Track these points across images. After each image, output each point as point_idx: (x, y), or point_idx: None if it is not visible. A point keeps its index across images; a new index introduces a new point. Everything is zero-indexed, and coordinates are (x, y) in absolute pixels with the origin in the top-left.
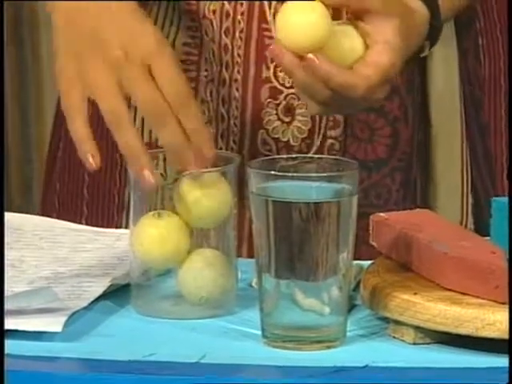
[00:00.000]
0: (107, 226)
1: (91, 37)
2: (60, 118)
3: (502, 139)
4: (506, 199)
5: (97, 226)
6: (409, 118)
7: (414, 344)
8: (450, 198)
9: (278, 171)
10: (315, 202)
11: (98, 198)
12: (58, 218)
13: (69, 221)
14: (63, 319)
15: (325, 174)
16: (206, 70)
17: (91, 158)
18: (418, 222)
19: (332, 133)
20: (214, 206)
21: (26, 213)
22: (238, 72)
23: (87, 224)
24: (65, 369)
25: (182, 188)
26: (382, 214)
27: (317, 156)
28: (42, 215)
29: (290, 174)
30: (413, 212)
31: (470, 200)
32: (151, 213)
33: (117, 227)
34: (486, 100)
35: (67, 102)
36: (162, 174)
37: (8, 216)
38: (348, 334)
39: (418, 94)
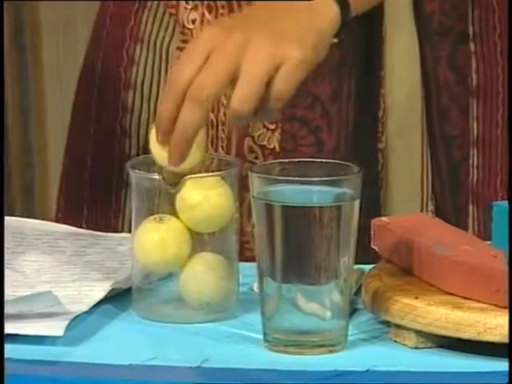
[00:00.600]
0: (105, 230)
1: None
2: (74, 118)
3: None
4: (506, 203)
5: (96, 229)
6: (333, 127)
7: (416, 348)
8: (409, 205)
9: (280, 175)
10: (317, 206)
11: (96, 201)
12: (63, 220)
13: (72, 224)
14: (65, 323)
15: (326, 178)
16: None
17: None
18: (419, 226)
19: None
20: (216, 210)
21: (28, 217)
22: None
23: (88, 227)
24: (66, 373)
25: (183, 192)
26: (383, 219)
27: (318, 160)
28: (56, 217)
29: (291, 178)
30: (414, 216)
31: (431, 207)
32: (152, 217)
33: (114, 231)
34: (479, 107)
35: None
36: (163, 178)
37: (9, 220)
38: (349, 338)
39: (350, 101)
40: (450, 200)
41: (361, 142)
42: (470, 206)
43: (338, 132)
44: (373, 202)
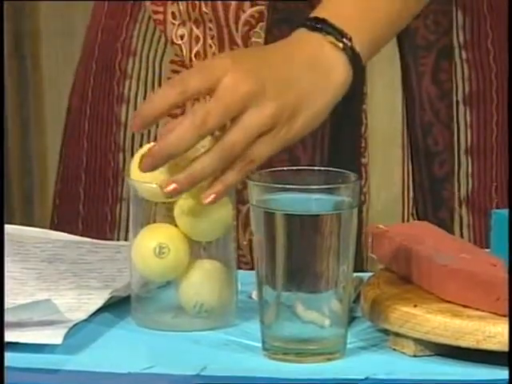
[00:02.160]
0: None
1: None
2: (67, 133)
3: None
4: (506, 211)
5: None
6: (307, 143)
7: (415, 356)
8: (391, 220)
9: (278, 183)
10: (315, 215)
11: (91, 214)
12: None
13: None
14: (63, 331)
15: (325, 187)
16: None
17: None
18: (417, 234)
19: None
20: (214, 218)
21: (27, 225)
22: None
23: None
24: (65, 381)
25: (181, 200)
26: (381, 226)
27: (317, 168)
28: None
29: (290, 186)
30: (413, 224)
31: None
32: (151, 225)
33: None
34: (473, 115)
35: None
36: (160, 187)
37: (8, 228)
38: (348, 346)
39: (329, 117)
40: (432, 215)
41: (341, 158)
42: (465, 215)
43: (312, 148)
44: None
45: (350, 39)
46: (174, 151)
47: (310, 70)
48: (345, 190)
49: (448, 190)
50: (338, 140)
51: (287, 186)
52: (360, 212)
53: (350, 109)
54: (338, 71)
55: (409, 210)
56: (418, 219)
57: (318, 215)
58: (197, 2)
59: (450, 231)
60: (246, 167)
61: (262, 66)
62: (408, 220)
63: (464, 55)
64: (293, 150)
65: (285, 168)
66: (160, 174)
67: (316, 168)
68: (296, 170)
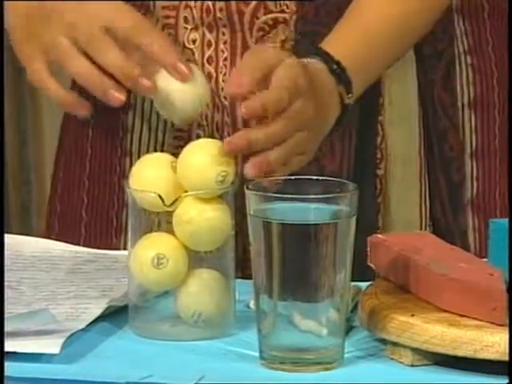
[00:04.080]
0: (106, 249)
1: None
2: (63, 139)
3: (485, 161)
4: (504, 220)
5: (95, 248)
6: (335, 153)
7: (412, 366)
8: (407, 230)
9: (276, 193)
10: (313, 224)
11: (95, 220)
12: (58, 239)
13: (68, 243)
14: (61, 341)
15: (323, 196)
16: None
17: (114, 92)
18: (416, 243)
19: None
20: (213, 228)
21: (24, 234)
22: (225, 98)
23: (85, 246)
24: None
25: (180, 210)
26: (380, 236)
27: (315, 177)
28: (46, 237)
29: (287, 196)
30: (411, 234)
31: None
32: (149, 234)
33: (115, 250)
34: (478, 119)
35: (33, 71)
36: (160, 196)
37: (6, 238)
38: (346, 355)
39: (353, 128)
40: (452, 222)
41: (360, 168)
42: (470, 219)
43: (340, 158)
44: (372, 227)
45: (351, 96)
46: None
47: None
48: (342, 200)
49: (464, 195)
50: (356, 151)
51: (285, 196)
52: (375, 221)
53: (366, 120)
54: (334, 115)
55: (426, 220)
56: (434, 229)
57: (315, 224)
58: (211, 8)
59: (464, 234)
60: (298, 159)
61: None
62: (425, 229)
63: (469, 60)
64: (320, 160)
65: (282, 177)
66: (160, 183)
67: (314, 177)
68: (294, 179)
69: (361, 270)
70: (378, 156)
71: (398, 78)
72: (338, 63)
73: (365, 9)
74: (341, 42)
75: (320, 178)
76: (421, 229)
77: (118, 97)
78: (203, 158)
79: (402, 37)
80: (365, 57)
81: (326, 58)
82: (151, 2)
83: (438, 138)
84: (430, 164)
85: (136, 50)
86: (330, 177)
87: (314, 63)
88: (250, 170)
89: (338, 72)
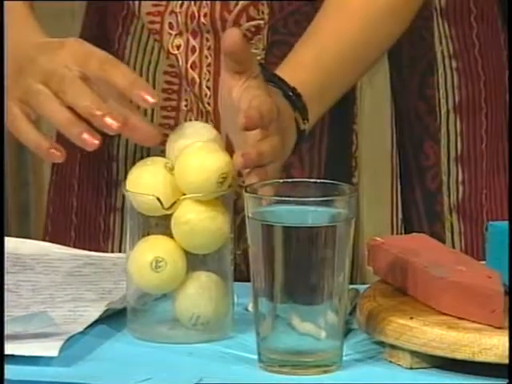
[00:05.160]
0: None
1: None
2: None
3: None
4: (502, 223)
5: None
6: (304, 163)
7: (411, 368)
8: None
9: (274, 195)
10: (311, 227)
11: (84, 224)
12: (50, 241)
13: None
14: (59, 344)
15: (321, 199)
16: (186, 100)
17: (87, 136)
18: (414, 246)
19: None
20: (211, 231)
21: (23, 237)
22: (209, 104)
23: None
24: None
25: (178, 213)
26: (378, 239)
27: (313, 180)
28: (43, 239)
29: (286, 199)
30: (409, 236)
31: None
32: (147, 237)
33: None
34: (463, 123)
35: (10, 118)
36: (158, 199)
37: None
38: (344, 358)
39: (323, 137)
40: (427, 231)
41: (335, 177)
42: (456, 223)
43: (309, 168)
44: None
45: (307, 122)
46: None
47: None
48: (341, 202)
49: (440, 202)
50: (330, 160)
51: (283, 198)
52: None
53: (340, 129)
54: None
55: (398, 229)
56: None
57: (314, 227)
58: (196, 14)
59: (442, 241)
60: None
61: None
62: None
63: (454, 64)
64: (290, 170)
65: (281, 180)
66: (158, 186)
67: (312, 180)
68: (292, 182)
69: (359, 273)
70: (353, 164)
71: (372, 87)
72: (293, 89)
73: (321, 29)
74: (296, 67)
75: (318, 180)
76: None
77: (89, 140)
78: (203, 160)
79: (362, 54)
80: (322, 80)
81: (281, 84)
82: (136, 8)
83: (412, 146)
84: (403, 173)
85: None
86: None
87: (270, 89)
88: (238, 159)
89: (293, 99)
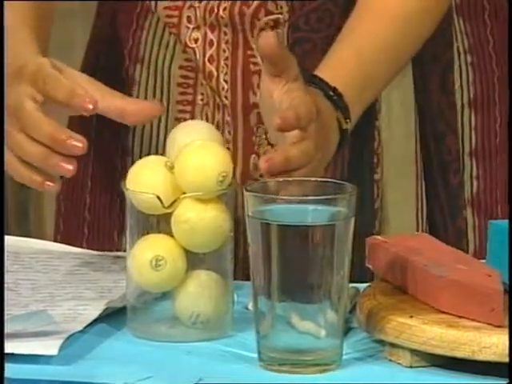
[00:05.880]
0: (108, 248)
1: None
2: None
3: (485, 160)
4: (503, 222)
5: (98, 247)
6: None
7: (411, 367)
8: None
9: (274, 194)
10: (311, 225)
11: (98, 219)
12: (61, 239)
13: (71, 242)
14: (59, 342)
15: (321, 197)
16: (202, 94)
17: (63, 165)
18: (414, 245)
19: None
20: (211, 230)
21: (22, 236)
22: (226, 98)
23: (88, 246)
24: None
25: (178, 211)
26: (378, 237)
27: (313, 179)
28: (55, 237)
29: (286, 197)
30: (409, 235)
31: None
32: (147, 236)
33: (117, 249)
34: (478, 117)
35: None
36: (158, 197)
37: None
38: (344, 356)
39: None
40: (450, 224)
41: (356, 174)
42: (471, 218)
43: (334, 163)
44: (369, 232)
45: (349, 121)
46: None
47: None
48: (341, 201)
49: (462, 196)
50: (352, 157)
51: (283, 197)
52: (373, 227)
53: (363, 126)
54: (335, 140)
55: (423, 224)
56: (431, 232)
57: (313, 226)
58: (215, 8)
59: (465, 238)
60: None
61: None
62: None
63: (469, 59)
64: None
65: (280, 179)
66: (158, 185)
67: (312, 179)
68: (292, 180)
69: (359, 272)
70: (375, 161)
71: (394, 82)
72: (334, 89)
73: (356, 30)
74: (335, 67)
75: (318, 179)
76: (418, 232)
77: (66, 167)
78: (203, 159)
79: (396, 54)
80: (361, 80)
81: (322, 84)
82: (152, 4)
83: (435, 141)
84: (426, 167)
85: None
86: None
87: (311, 90)
88: (262, 164)
89: (335, 98)
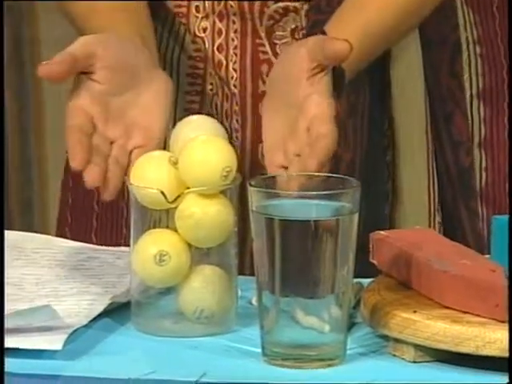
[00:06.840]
0: (116, 240)
1: None
2: None
3: (494, 151)
4: (506, 217)
5: (106, 239)
6: (349, 142)
7: (414, 362)
8: (416, 217)
9: (279, 189)
10: (315, 220)
11: (106, 211)
12: (69, 232)
13: (79, 235)
14: (63, 337)
15: (325, 192)
16: (211, 84)
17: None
18: (418, 240)
19: None
20: (215, 224)
21: (26, 231)
22: (235, 87)
23: (96, 238)
24: None
25: (182, 206)
26: (382, 232)
27: (317, 174)
28: (57, 230)
29: (290, 192)
30: (413, 230)
31: (438, 219)
32: (151, 231)
33: (125, 241)
34: (486, 109)
35: None
36: (162, 193)
37: (8, 234)
38: (348, 351)
39: (365, 117)
40: (462, 205)
41: (370, 155)
42: (479, 208)
43: (354, 147)
44: (380, 214)
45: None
46: None
47: None
48: (345, 196)
49: (474, 177)
50: (369, 138)
51: (287, 192)
52: (384, 210)
53: (375, 109)
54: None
55: (435, 206)
56: (443, 213)
57: (317, 221)
58: None
59: (478, 218)
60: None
61: None
62: (434, 218)
63: (478, 50)
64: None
65: (285, 174)
66: (162, 180)
67: (316, 174)
68: (296, 175)
69: (363, 267)
70: (385, 143)
71: (404, 64)
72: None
73: None
74: (338, 26)
75: (322, 174)
76: (429, 214)
77: (92, 180)
78: (207, 154)
79: (403, 21)
80: (362, 40)
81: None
82: None
83: (445, 122)
84: (438, 148)
85: None
86: (345, 166)
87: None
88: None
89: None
